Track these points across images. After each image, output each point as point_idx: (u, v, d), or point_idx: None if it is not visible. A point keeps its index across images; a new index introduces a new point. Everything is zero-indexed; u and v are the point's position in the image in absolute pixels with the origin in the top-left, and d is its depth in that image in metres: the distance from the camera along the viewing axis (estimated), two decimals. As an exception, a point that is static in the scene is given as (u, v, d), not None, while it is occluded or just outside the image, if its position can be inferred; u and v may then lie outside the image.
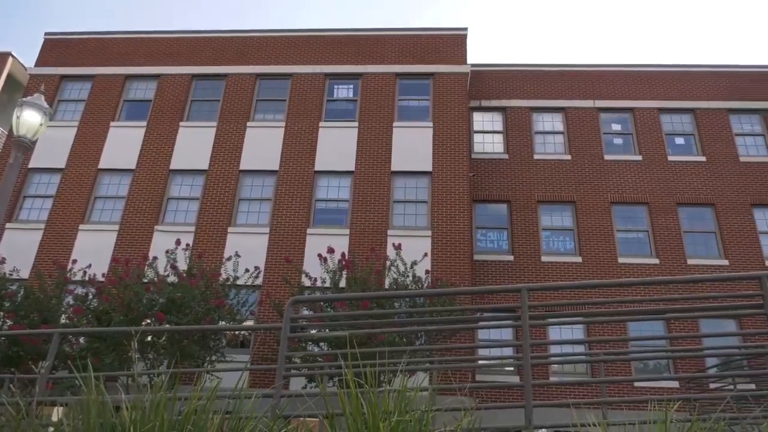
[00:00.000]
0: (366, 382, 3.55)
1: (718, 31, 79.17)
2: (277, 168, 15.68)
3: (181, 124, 16.48)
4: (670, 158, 16.96)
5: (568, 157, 17.06)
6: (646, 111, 17.65)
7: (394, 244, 11.97)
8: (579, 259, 15.60)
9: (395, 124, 16.02)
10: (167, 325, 10.11)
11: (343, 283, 11.73)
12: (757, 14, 75.28)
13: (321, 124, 16.20)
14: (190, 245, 14.59)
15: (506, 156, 17.12)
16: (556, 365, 14.39)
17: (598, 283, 4.48)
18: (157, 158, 16.02)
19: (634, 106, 17.70)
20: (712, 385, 12.54)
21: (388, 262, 12.13)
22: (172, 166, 15.91)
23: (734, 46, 77.65)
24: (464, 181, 15.11)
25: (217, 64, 17.35)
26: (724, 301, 13.66)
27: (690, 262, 15.46)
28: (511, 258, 15.65)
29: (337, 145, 15.87)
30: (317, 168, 15.61)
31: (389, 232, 14.54)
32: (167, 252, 11.63)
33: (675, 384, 13.61)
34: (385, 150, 15.67)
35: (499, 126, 17.71)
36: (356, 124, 16.10)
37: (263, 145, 16.04)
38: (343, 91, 16.81)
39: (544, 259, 15.62)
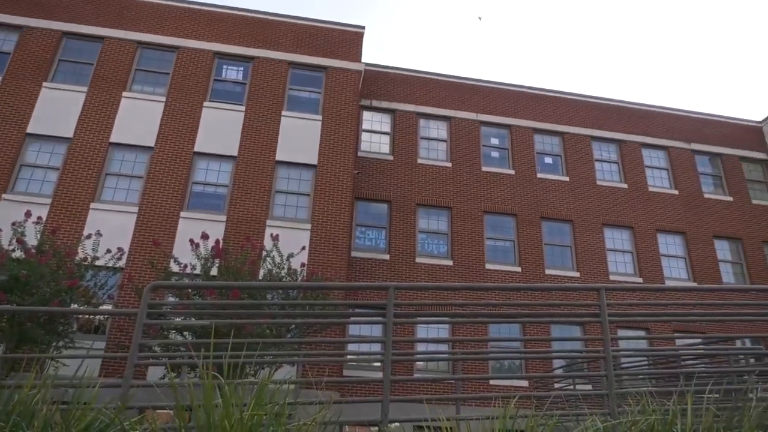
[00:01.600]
0: (224, 373, 3.43)
1: (593, 58, 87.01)
2: (152, 144, 14.71)
3: (45, 84, 14.89)
4: (539, 175, 18.34)
5: (449, 164, 17.82)
6: (521, 129, 18.93)
7: (272, 235, 11.71)
8: (450, 263, 16.34)
9: (284, 113, 15.72)
10: (7, 306, 9.08)
11: (215, 272, 11.28)
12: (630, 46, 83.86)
13: (206, 103, 15.46)
14: (44, 219, 13.24)
15: (391, 157, 17.50)
16: (420, 363, 14.96)
17: (459, 285, 4.70)
18: (11, 119, 14.34)
19: (511, 124, 18.92)
20: (557, 385, 13.72)
21: (264, 253, 11.86)
22: (30, 130, 14.32)
23: (608, 76, 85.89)
24: (348, 177, 15.20)
25: (93, 24, 15.90)
26: (572, 309, 15.04)
27: (548, 272, 16.82)
28: (387, 257, 16.02)
29: (221, 128, 15.24)
30: (197, 149, 14.87)
31: (268, 222, 14.24)
32: (14, 224, 10.44)
33: (525, 383, 14.73)
34: (271, 138, 15.32)
35: (387, 127, 18.06)
36: (243, 108, 15.57)
37: (139, 118, 14.97)
38: (233, 73, 16.18)
39: (418, 260, 16.17)
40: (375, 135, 17.85)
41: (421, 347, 14.65)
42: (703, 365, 10.10)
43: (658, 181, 19.34)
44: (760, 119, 21.32)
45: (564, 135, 19.19)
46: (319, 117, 15.82)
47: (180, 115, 15.17)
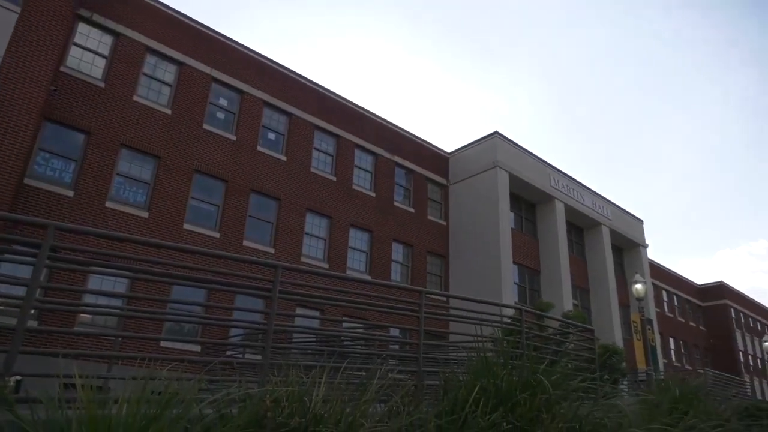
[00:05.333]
0: None
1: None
2: None
3: None
4: (259, 148, 18.43)
5: (169, 111, 16.55)
6: (253, 99, 18.74)
7: None
8: (146, 215, 15.19)
9: (-33, -13, 12.41)
10: None
11: None
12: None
13: None
14: None
15: (103, 84, 15.38)
16: (86, 317, 13.46)
17: (123, 236, 4.36)
18: None
19: (244, 90, 18.57)
20: (229, 353, 13.93)
21: None
22: None
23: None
24: (41, 91, 12.82)
25: None
26: (258, 283, 15.49)
27: (245, 243, 17.00)
28: (71, 194, 14.02)
29: None
30: None
31: None
32: None
33: (197, 348, 14.57)
34: (-62, 12, 11.92)
35: (105, 50, 15.77)
36: None
37: None
38: None
39: (108, 204, 14.59)
40: (89, 54, 15.41)
41: (102, 300, 13.19)
42: (359, 347, 11.42)
43: (362, 182, 21.41)
44: (450, 151, 25.45)
45: (291, 116, 19.70)
46: (18, 8, 12.95)
47: None
